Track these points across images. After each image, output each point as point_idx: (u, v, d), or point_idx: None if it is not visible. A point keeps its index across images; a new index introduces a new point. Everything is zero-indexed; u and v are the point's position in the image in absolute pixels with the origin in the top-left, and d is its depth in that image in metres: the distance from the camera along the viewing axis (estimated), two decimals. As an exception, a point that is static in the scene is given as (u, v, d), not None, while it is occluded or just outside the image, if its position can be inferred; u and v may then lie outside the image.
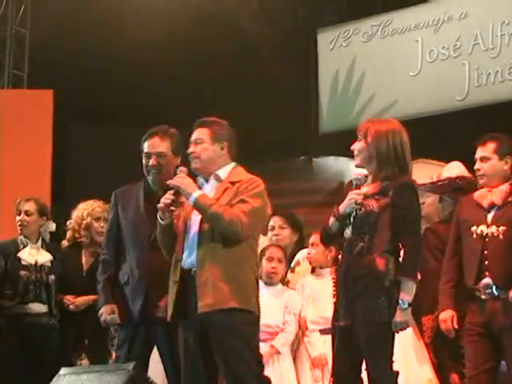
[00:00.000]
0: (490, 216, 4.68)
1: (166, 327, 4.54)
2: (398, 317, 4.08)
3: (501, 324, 4.56)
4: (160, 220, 4.37)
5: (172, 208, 4.34)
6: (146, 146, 4.85)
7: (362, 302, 4.11)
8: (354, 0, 11.18)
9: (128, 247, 4.85)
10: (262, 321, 5.07)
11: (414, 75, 10.34)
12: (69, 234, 6.16)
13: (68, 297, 5.96)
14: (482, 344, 4.61)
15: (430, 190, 5.53)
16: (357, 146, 4.33)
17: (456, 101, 9.88)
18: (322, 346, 5.32)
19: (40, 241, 6.06)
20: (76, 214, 6.11)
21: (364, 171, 4.34)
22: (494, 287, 4.58)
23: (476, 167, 4.82)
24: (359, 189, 4.28)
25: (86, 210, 6.07)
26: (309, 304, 5.49)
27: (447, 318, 4.76)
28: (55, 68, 9.91)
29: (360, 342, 4.12)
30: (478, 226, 4.67)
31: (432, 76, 10.16)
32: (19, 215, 6.05)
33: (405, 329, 4.16)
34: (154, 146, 4.82)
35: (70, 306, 5.93)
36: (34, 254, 5.96)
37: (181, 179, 4.33)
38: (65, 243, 6.28)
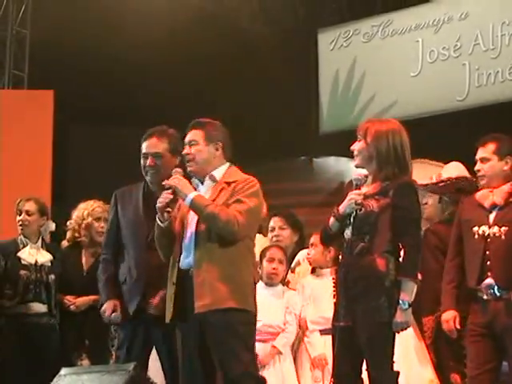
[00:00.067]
0: (491, 216, 4.69)
1: (164, 327, 4.55)
2: (399, 317, 4.08)
3: (503, 324, 4.56)
4: (159, 222, 4.38)
5: (169, 209, 4.35)
6: (143, 147, 4.87)
7: (363, 303, 4.11)
8: (354, 0, 11.17)
9: (127, 247, 4.87)
10: (264, 321, 5.10)
11: (414, 75, 10.33)
12: (69, 234, 6.16)
13: (68, 297, 5.95)
14: (484, 344, 4.61)
15: (431, 190, 5.53)
16: (356, 147, 4.33)
17: (456, 101, 9.87)
18: (322, 346, 5.32)
19: (40, 241, 6.06)
20: (76, 213, 6.11)
21: (364, 171, 4.34)
22: (496, 288, 4.58)
23: (476, 168, 4.82)
24: (359, 189, 4.28)
25: (87, 210, 6.07)
26: (309, 304, 5.49)
27: (449, 318, 4.76)
28: (55, 68, 9.90)
29: (361, 342, 4.12)
30: (479, 227, 4.67)
31: (432, 76, 10.15)
32: (20, 215, 6.05)
33: (405, 329, 4.16)
34: (151, 146, 4.84)
35: (71, 307, 5.93)
36: (33, 254, 5.96)
37: (177, 180, 4.35)
38: (65, 243, 6.28)
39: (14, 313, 5.87)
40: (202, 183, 4.45)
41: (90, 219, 6.03)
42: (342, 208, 4.27)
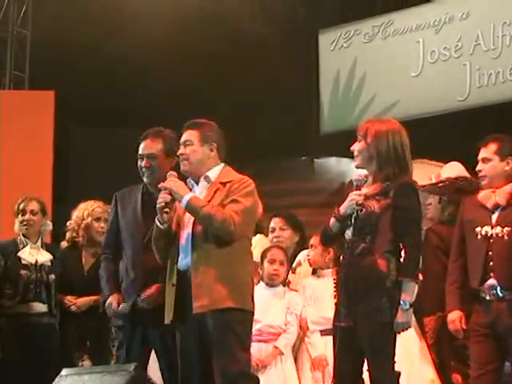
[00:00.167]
0: (494, 217, 4.68)
1: (162, 328, 4.55)
2: (400, 317, 4.08)
3: (506, 325, 4.56)
4: (158, 223, 4.39)
5: (167, 209, 4.36)
6: (139, 148, 4.92)
7: (364, 303, 4.11)
8: (354, 1, 11.16)
9: (125, 248, 4.91)
10: (265, 321, 5.10)
11: (415, 76, 10.33)
12: (68, 234, 6.16)
13: (69, 298, 5.95)
14: (487, 344, 4.60)
15: (431, 191, 5.52)
16: (357, 147, 4.33)
17: (457, 101, 9.86)
18: (322, 346, 5.32)
19: (40, 240, 6.05)
20: (76, 214, 6.11)
21: (364, 172, 4.34)
22: (498, 288, 4.57)
23: (477, 168, 4.82)
24: (360, 190, 4.28)
25: (87, 211, 6.07)
26: (310, 305, 5.48)
27: (455, 318, 4.75)
28: (56, 69, 9.90)
29: (362, 342, 4.12)
30: (482, 227, 4.66)
31: (433, 76, 10.15)
32: (23, 215, 6.03)
33: (406, 329, 4.16)
34: (146, 147, 4.88)
35: (72, 307, 5.93)
36: (34, 254, 5.96)
37: (172, 182, 4.37)
38: (64, 244, 6.28)
39: (15, 312, 5.86)
40: (197, 184, 4.47)
41: (89, 219, 6.03)
42: (342, 209, 4.26)
